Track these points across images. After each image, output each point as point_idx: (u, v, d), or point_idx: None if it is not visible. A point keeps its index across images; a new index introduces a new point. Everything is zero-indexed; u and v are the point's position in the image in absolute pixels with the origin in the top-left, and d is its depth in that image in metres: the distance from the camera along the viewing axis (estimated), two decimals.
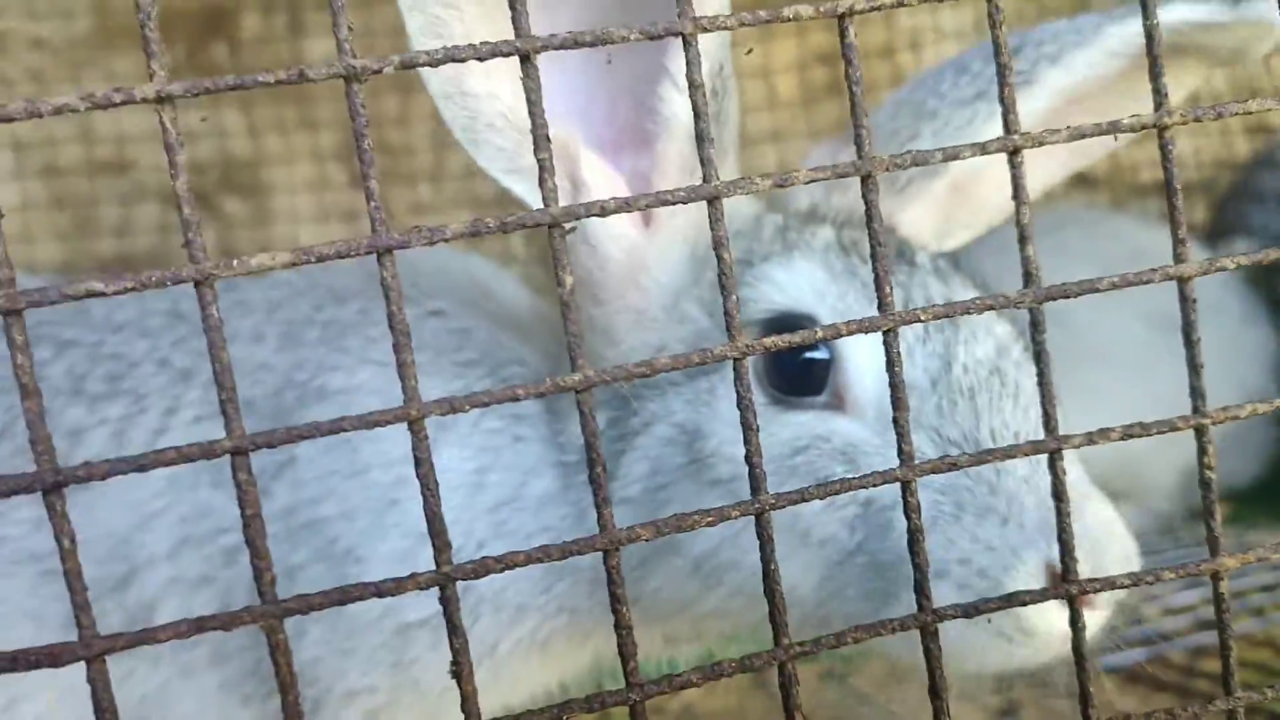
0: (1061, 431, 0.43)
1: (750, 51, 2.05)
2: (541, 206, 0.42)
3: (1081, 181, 2.29)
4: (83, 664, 0.36)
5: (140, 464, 0.35)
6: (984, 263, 1.61)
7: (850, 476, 0.43)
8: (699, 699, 1.38)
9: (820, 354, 0.73)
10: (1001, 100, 0.42)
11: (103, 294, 0.34)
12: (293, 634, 0.76)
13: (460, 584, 0.75)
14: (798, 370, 0.73)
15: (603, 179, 0.76)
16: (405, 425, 0.37)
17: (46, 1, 2.01)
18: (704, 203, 0.39)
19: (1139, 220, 1.74)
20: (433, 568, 0.41)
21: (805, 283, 0.74)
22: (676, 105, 0.69)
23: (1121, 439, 0.44)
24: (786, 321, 0.73)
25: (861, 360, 0.73)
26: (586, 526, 0.75)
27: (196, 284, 0.36)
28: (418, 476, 0.38)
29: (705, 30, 0.39)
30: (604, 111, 0.74)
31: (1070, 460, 0.64)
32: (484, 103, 0.69)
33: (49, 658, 0.36)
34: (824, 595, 0.72)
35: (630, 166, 0.76)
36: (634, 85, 0.70)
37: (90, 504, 0.81)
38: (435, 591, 0.73)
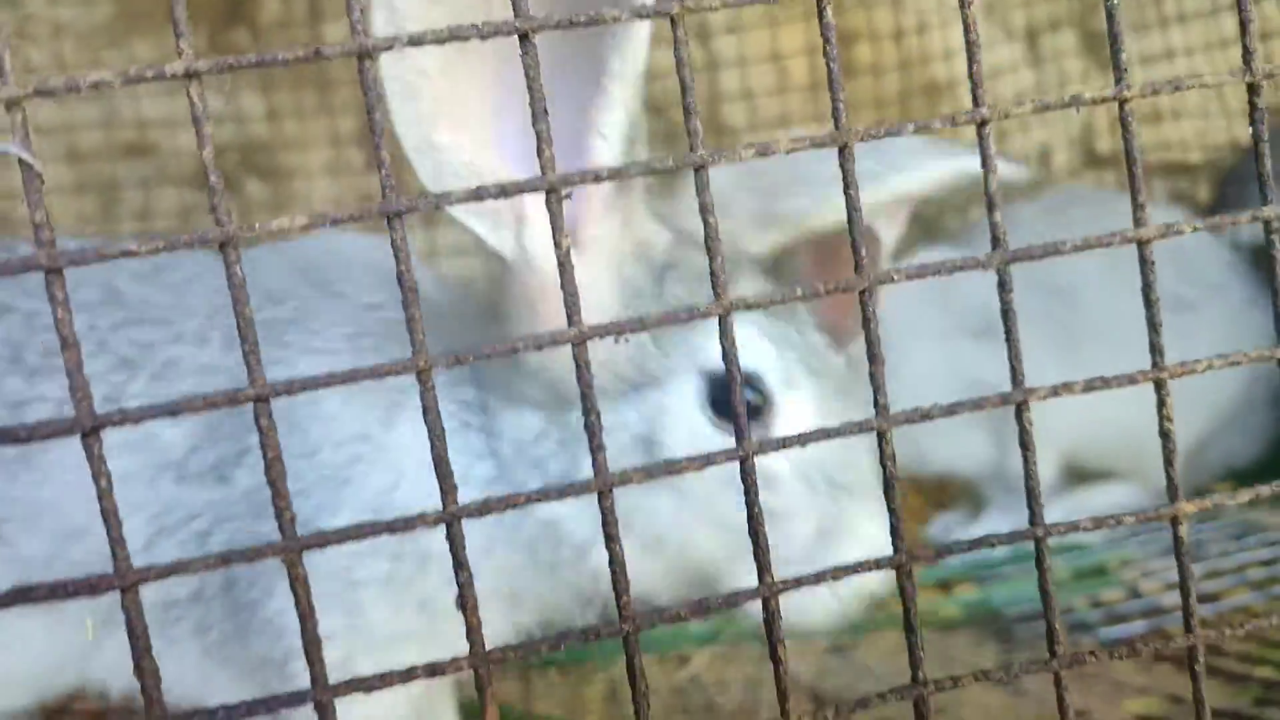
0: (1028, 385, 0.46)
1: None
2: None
3: (1091, 162, 2.31)
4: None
5: (173, 409, 0.39)
6: (1034, 226, 1.63)
7: (829, 427, 0.46)
8: (706, 669, 1.41)
9: (756, 399, 0.82)
10: (971, 77, 0.45)
11: (135, 254, 0.38)
12: (264, 591, 0.82)
13: (413, 544, 0.81)
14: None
15: (543, 213, 0.77)
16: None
17: None
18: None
19: (1149, 200, 1.76)
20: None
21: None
22: (603, 153, 0.73)
23: (1084, 391, 0.46)
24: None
25: (791, 412, 0.82)
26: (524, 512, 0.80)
27: (221, 245, 0.40)
28: (426, 423, 0.41)
29: (691, 11, 0.42)
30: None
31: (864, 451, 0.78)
32: (449, 153, 0.72)
33: (88, 588, 0.39)
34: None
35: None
36: (569, 126, 0.72)
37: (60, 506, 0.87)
38: (385, 554, 0.79)
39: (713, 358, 0.79)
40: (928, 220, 2.25)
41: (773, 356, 0.83)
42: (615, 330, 0.42)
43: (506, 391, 0.83)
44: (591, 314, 0.68)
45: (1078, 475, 1.69)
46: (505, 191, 0.41)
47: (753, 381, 0.82)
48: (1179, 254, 1.62)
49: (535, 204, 0.76)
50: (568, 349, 0.61)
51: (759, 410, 0.81)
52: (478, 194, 0.41)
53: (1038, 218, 1.67)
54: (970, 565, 1.58)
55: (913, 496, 1.97)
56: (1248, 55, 0.48)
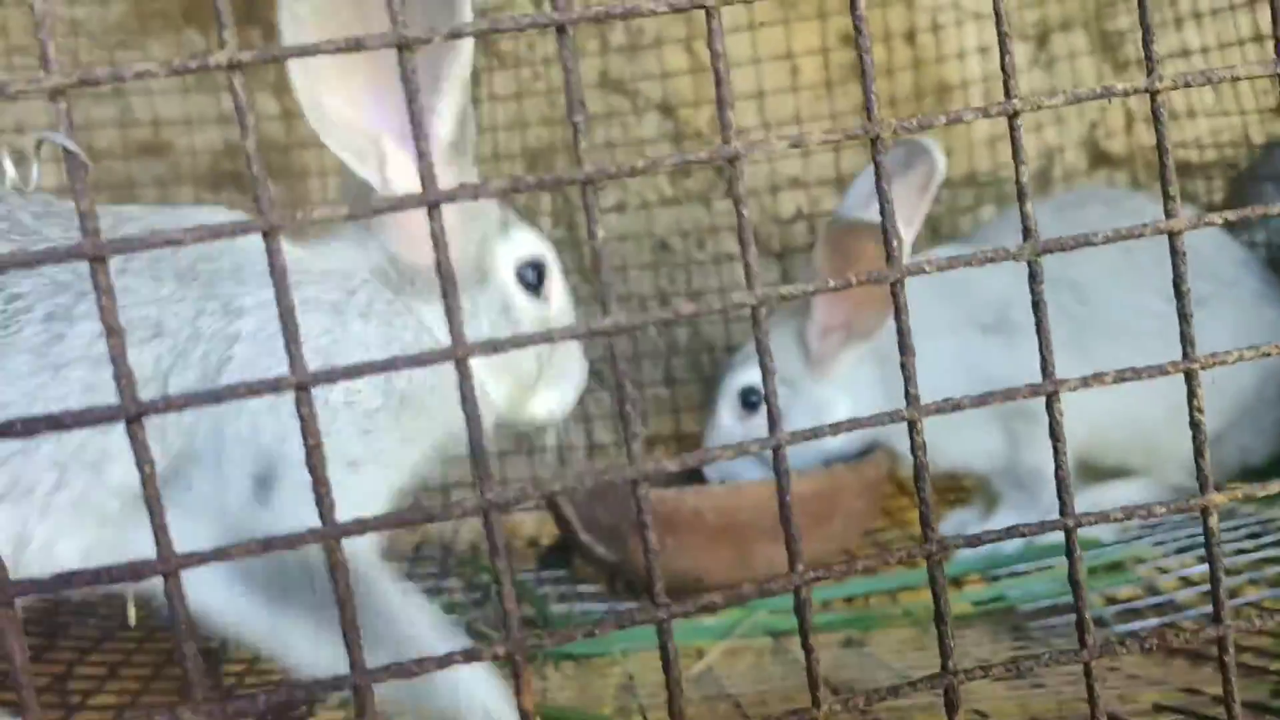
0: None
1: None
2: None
3: (1104, 161, 2.31)
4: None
5: (216, 396, 0.39)
6: (1047, 225, 1.63)
7: (859, 417, 0.47)
8: (719, 662, 1.41)
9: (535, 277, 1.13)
10: (1003, 68, 0.45)
11: (180, 243, 0.38)
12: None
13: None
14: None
15: (405, 172, 0.99)
16: None
17: None
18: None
19: (1157, 200, 1.76)
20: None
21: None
22: (451, 103, 0.95)
23: (1115, 382, 0.47)
24: None
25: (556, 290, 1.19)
26: None
27: (264, 234, 0.40)
28: (464, 411, 0.41)
29: (728, 4, 0.43)
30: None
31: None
32: (329, 110, 0.95)
33: (132, 573, 0.40)
34: None
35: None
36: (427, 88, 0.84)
37: None
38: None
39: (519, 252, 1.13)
40: (935, 220, 2.25)
41: (548, 249, 1.17)
42: (650, 321, 0.42)
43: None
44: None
45: (1091, 472, 1.69)
46: (543, 184, 0.41)
47: (539, 265, 1.13)
48: (1191, 250, 1.62)
49: (394, 145, 0.98)
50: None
51: (539, 286, 1.13)
52: (515, 186, 0.41)
53: (1050, 217, 1.67)
54: (981, 561, 1.59)
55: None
56: None
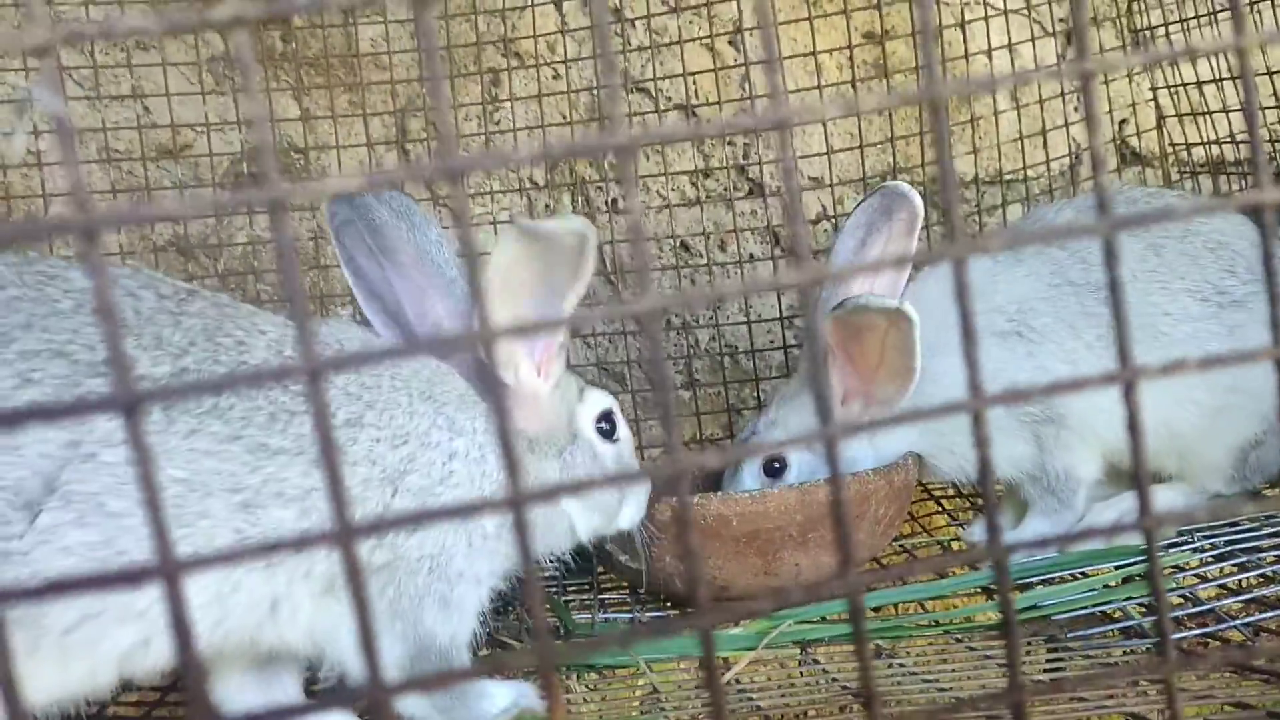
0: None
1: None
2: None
3: (1133, 159, 2.26)
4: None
5: (218, 385, 0.36)
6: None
7: (923, 409, 0.43)
8: (746, 670, 1.38)
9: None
10: (1077, 25, 0.41)
11: (183, 217, 0.35)
12: None
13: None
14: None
15: (526, 371, 1.28)
16: None
17: None
18: None
19: (1187, 199, 1.71)
20: None
21: None
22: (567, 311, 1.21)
23: (1198, 369, 0.43)
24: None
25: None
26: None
27: (271, 207, 0.37)
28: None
29: None
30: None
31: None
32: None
33: (129, 578, 0.36)
34: None
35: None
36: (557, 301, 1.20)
37: None
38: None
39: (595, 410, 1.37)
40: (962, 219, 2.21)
41: (612, 400, 1.39)
42: (686, 301, 0.39)
43: None
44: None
45: (1125, 478, 1.65)
46: (573, 151, 0.38)
47: (610, 415, 1.37)
48: (1223, 249, 1.58)
49: (525, 352, 1.25)
50: None
51: (612, 431, 1.37)
52: (546, 153, 0.38)
53: (1075, 219, 1.63)
54: (1014, 569, 1.54)
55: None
56: None
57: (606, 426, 1.36)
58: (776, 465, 1.62)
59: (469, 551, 1.17)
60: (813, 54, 2.07)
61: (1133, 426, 0.41)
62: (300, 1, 0.35)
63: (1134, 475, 1.48)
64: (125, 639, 0.92)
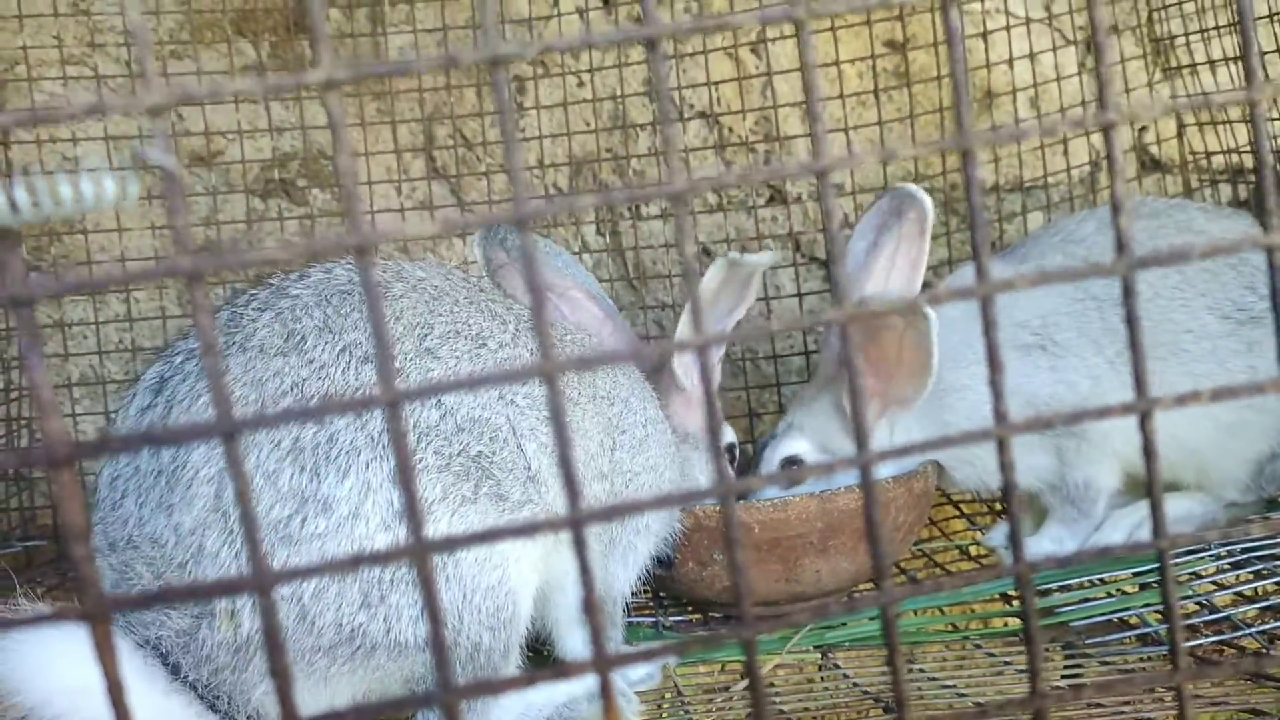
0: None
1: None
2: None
3: (1154, 166, 2.28)
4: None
5: (310, 413, 0.39)
6: (1095, 237, 1.62)
7: (952, 434, 0.46)
8: (765, 676, 1.41)
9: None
10: (1098, 77, 0.44)
11: (279, 260, 0.38)
12: None
13: None
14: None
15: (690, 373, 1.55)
16: None
17: None
18: None
19: (1208, 211, 1.73)
20: None
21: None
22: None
23: (1211, 401, 0.46)
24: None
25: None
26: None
27: (357, 251, 0.40)
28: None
29: (818, 16, 0.42)
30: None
31: None
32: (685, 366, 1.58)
33: (226, 588, 0.40)
34: None
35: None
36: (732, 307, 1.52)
37: None
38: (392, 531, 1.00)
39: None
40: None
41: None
42: (745, 335, 0.42)
43: None
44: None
45: (1143, 488, 1.67)
46: (633, 196, 0.41)
47: (733, 446, 1.70)
48: (1244, 264, 1.60)
49: (681, 365, 1.53)
50: None
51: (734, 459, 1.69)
52: (606, 199, 0.41)
53: (1096, 230, 1.65)
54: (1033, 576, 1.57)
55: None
56: None
57: (730, 453, 1.70)
58: (794, 467, 1.65)
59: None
60: (835, 64, 2.09)
61: (1148, 452, 0.44)
62: (384, 67, 0.38)
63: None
64: None
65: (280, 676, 0.40)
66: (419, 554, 0.40)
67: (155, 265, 0.37)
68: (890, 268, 1.61)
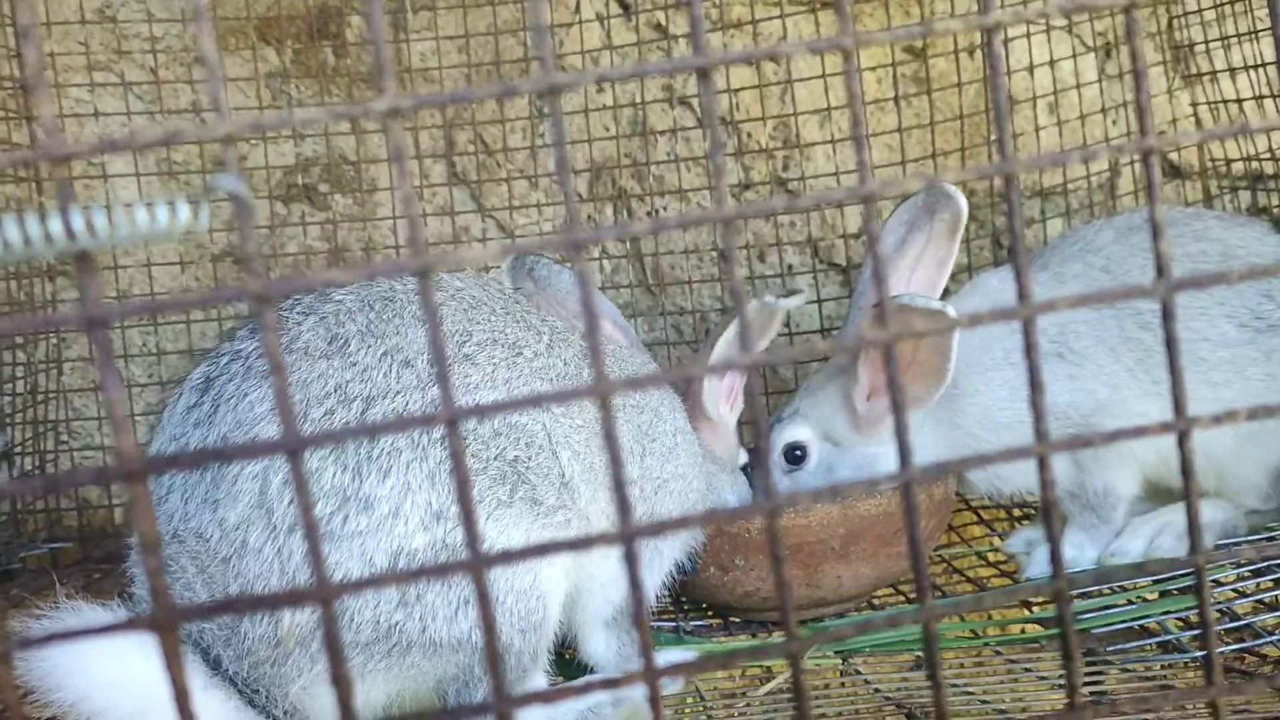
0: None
1: None
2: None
3: (1174, 173, 2.28)
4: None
5: (371, 431, 0.40)
6: (1112, 246, 1.62)
7: (990, 452, 0.47)
8: (787, 682, 1.42)
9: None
10: (1139, 104, 0.45)
11: (342, 283, 0.40)
12: None
13: None
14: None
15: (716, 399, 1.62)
16: None
17: (160, 5, 2.11)
18: None
19: (1225, 220, 1.73)
20: None
21: None
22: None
23: (1248, 419, 0.46)
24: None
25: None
26: None
27: (419, 273, 0.41)
28: (609, 448, 0.42)
29: (864, 45, 0.44)
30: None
31: None
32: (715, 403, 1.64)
33: (291, 599, 0.41)
34: None
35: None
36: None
37: None
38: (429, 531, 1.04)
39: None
40: (1002, 232, 2.24)
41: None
42: (793, 359, 0.43)
43: None
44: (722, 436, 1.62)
45: (1165, 494, 1.68)
46: (683, 222, 0.42)
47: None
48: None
49: (709, 394, 1.59)
50: None
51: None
52: (658, 226, 0.42)
53: (1113, 240, 1.66)
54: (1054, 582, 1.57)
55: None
56: None
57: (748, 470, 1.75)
58: (798, 453, 1.66)
59: (682, 513, 1.41)
60: (856, 70, 2.10)
61: (1186, 470, 0.45)
62: (442, 98, 0.39)
63: (1171, 491, 1.50)
64: None
65: (341, 684, 0.41)
66: (475, 569, 0.42)
67: (224, 289, 0.39)
68: (916, 265, 1.62)
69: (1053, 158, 0.45)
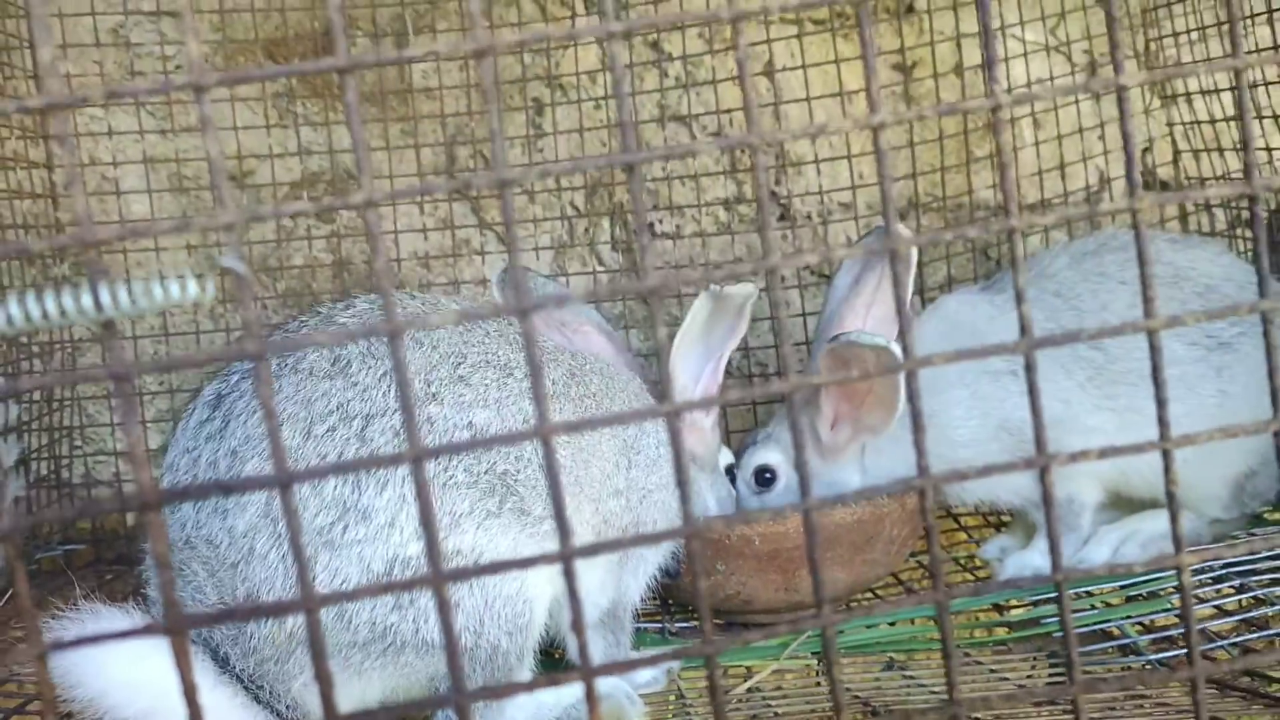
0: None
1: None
2: None
3: (1162, 187, 2.35)
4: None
5: (342, 467, 0.48)
6: (1065, 272, 1.69)
7: (997, 464, 0.55)
8: (766, 680, 1.49)
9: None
10: (1126, 157, 0.53)
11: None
12: None
13: None
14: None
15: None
16: None
17: (172, 26, 2.20)
18: None
19: (1177, 242, 1.79)
20: None
21: None
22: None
23: (1224, 438, 0.54)
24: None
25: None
26: None
27: (390, 336, 0.49)
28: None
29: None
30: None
31: None
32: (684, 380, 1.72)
33: (279, 609, 0.49)
34: None
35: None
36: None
37: None
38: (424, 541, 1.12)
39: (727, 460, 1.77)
40: (986, 246, 2.31)
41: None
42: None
43: None
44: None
45: (1127, 502, 1.74)
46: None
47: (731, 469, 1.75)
48: (1213, 293, 1.66)
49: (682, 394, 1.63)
50: None
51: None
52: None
53: (1068, 266, 1.73)
54: (1023, 589, 1.64)
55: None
56: None
57: (729, 473, 1.77)
58: (768, 476, 1.74)
59: (667, 522, 1.47)
60: (840, 95, 2.18)
61: (1169, 489, 0.53)
62: (417, 186, 0.47)
63: (1130, 500, 1.57)
64: None
65: (323, 681, 0.49)
66: (435, 584, 0.49)
67: (227, 349, 0.46)
68: (871, 303, 1.69)
69: (1061, 214, 0.52)
